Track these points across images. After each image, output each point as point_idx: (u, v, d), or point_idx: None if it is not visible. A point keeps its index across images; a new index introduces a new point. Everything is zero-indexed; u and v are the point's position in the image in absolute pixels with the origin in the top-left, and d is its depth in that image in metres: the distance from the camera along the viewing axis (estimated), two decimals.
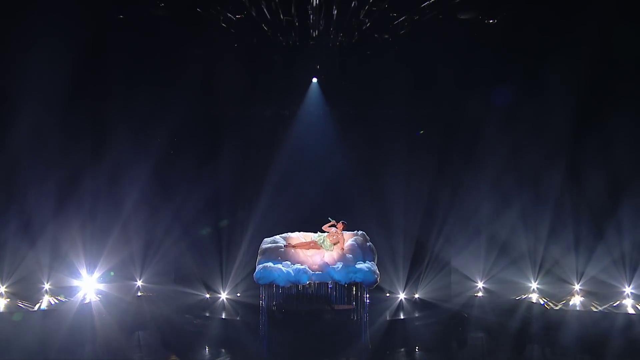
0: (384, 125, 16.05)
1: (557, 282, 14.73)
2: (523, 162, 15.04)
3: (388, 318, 14.05)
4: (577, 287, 14.56)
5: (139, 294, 15.14)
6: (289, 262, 12.01)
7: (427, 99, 15.59)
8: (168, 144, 15.75)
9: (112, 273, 14.64)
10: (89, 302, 13.39)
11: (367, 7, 13.19)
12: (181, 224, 15.40)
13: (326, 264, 12.04)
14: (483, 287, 15.64)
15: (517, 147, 15.13)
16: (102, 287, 14.35)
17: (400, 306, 14.96)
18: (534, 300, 14.47)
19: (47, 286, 13.87)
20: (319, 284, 11.99)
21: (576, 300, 14.14)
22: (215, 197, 15.82)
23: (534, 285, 15.10)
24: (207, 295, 15.72)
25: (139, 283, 15.31)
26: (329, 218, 12.62)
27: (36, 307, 12.83)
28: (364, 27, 14.08)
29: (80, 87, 13.69)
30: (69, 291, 13.89)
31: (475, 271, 15.67)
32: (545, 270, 14.92)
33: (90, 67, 13.69)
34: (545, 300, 14.34)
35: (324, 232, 12.67)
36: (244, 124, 16.14)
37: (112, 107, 14.46)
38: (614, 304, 13.36)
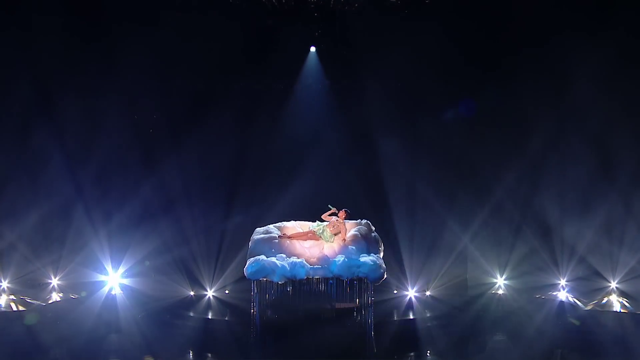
0: (391, 100, 16.02)
1: (588, 278, 14.76)
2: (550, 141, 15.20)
3: (395, 318, 14.06)
4: (613, 284, 14.60)
5: (112, 292, 15.06)
6: (284, 255, 11.95)
7: (437, 73, 15.55)
8: (148, 122, 15.87)
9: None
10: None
11: None
12: (162, 209, 15.49)
13: (326, 257, 11.99)
14: (504, 283, 15.65)
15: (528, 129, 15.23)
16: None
17: (409, 305, 14.98)
18: (563, 299, 14.48)
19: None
20: (318, 279, 11.90)
21: (613, 300, 14.17)
22: (199, 182, 15.81)
23: (562, 282, 15.13)
24: (192, 293, 15.69)
25: (113, 279, 15.21)
26: (329, 206, 12.52)
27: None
28: None
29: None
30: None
31: (495, 265, 15.69)
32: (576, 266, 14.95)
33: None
34: (576, 299, 14.36)
35: (323, 221, 12.61)
36: (231, 99, 16.05)
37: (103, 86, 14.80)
38: None
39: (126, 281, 15.24)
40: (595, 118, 14.52)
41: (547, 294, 14.94)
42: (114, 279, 15.16)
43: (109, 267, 15.17)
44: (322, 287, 12.00)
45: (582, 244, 14.68)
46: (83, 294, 14.52)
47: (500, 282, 15.66)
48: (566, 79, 14.65)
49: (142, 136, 15.68)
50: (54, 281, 14.86)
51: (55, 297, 14.55)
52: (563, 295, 14.80)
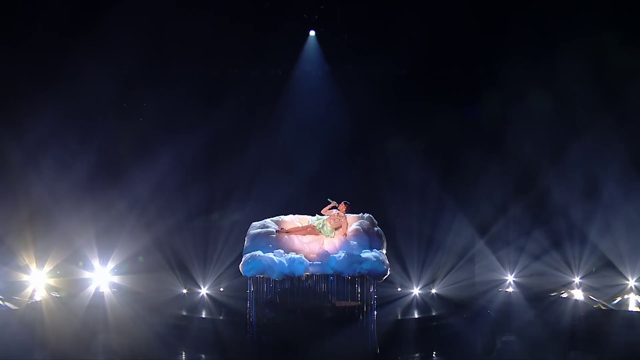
0: (394, 86, 16.12)
1: (606, 275, 14.73)
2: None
3: (399, 317, 14.06)
4: (632, 282, 14.57)
5: (100, 290, 15.10)
6: (281, 251, 11.89)
7: (444, 57, 15.68)
8: (138, 108, 15.97)
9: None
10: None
11: None
12: (156, 202, 15.59)
13: (326, 253, 11.92)
14: (513, 281, 15.63)
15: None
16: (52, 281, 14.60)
17: (414, 303, 14.93)
18: (578, 298, 14.45)
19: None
20: (318, 276, 11.84)
21: (632, 299, 14.17)
22: (195, 174, 15.82)
23: (576, 279, 15.06)
24: (184, 291, 15.66)
25: (102, 276, 15.31)
26: (329, 199, 12.51)
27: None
28: None
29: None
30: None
31: (505, 262, 15.65)
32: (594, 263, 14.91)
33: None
34: (594, 298, 14.34)
35: (323, 215, 12.59)
36: (225, 86, 16.12)
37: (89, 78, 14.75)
38: None
39: (115, 279, 15.22)
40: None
41: (561, 292, 14.88)
42: (102, 277, 15.18)
43: (96, 264, 15.20)
44: (322, 284, 11.92)
45: (598, 239, 14.64)
46: (62, 293, 14.45)
47: (510, 280, 15.63)
48: None
49: (134, 126, 15.71)
50: (37, 278, 14.71)
51: (37, 296, 14.41)
52: (578, 294, 14.74)
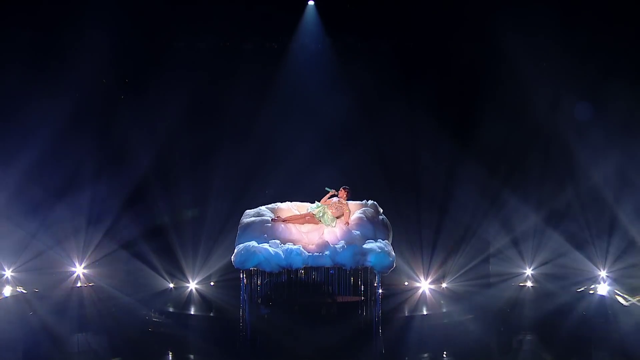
0: (402, 61, 16.00)
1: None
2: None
3: (407, 314, 14.05)
4: None
5: (79, 284, 15.11)
6: (278, 241, 11.88)
7: (456, 28, 15.64)
8: (118, 87, 15.90)
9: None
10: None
11: None
12: (137, 189, 15.55)
13: (326, 243, 11.88)
14: (532, 274, 15.61)
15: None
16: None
17: (422, 299, 14.93)
18: (604, 293, 14.44)
19: None
20: (317, 269, 11.88)
21: None
22: (180, 156, 15.72)
23: (602, 273, 15.05)
24: (172, 285, 15.63)
25: (79, 271, 15.28)
26: (327, 188, 12.48)
27: None
28: None
29: None
30: None
31: (523, 254, 15.63)
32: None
33: None
34: (621, 294, 14.33)
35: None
36: (216, 60, 16.06)
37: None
38: None
39: (95, 272, 15.21)
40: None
41: (586, 287, 14.87)
42: (80, 271, 15.26)
43: (75, 258, 15.20)
44: (321, 278, 11.99)
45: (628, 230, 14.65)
46: (36, 289, 14.44)
47: (529, 273, 15.61)
48: None
49: (110, 103, 15.75)
50: (8, 273, 14.72)
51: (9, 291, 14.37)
52: (604, 289, 14.73)
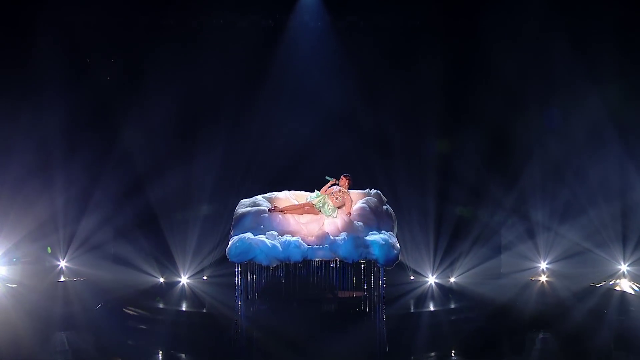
0: (406, 41, 16.03)
1: None
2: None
3: (412, 310, 14.06)
4: None
5: (62, 279, 15.13)
6: (275, 233, 11.86)
7: (465, 4, 15.72)
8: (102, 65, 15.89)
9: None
10: None
11: None
12: (123, 177, 15.51)
13: (327, 235, 11.86)
14: (546, 268, 15.58)
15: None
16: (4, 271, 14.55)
17: (429, 294, 14.91)
18: (625, 289, 14.44)
19: None
20: (317, 262, 11.90)
21: None
22: (172, 142, 15.70)
23: (623, 267, 14.99)
24: (162, 280, 15.60)
25: (62, 264, 15.27)
26: (327, 177, 12.45)
27: None
28: None
29: None
30: None
31: (537, 247, 15.60)
32: None
33: None
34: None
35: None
36: (208, 39, 16.03)
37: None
38: None
39: (79, 266, 15.17)
40: None
41: (605, 282, 14.85)
42: (64, 265, 15.36)
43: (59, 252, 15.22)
44: (322, 272, 12.04)
45: None
46: (14, 284, 14.45)
47: (543, 267, 15.56)
48: None
49: (100, 87, 15.69)
50: None
51: None
52: (625, 284, 14.72)
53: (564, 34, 15.40)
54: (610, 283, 14.77)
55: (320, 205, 12.33)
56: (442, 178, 15.99)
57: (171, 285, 15.56)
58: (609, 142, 15.16)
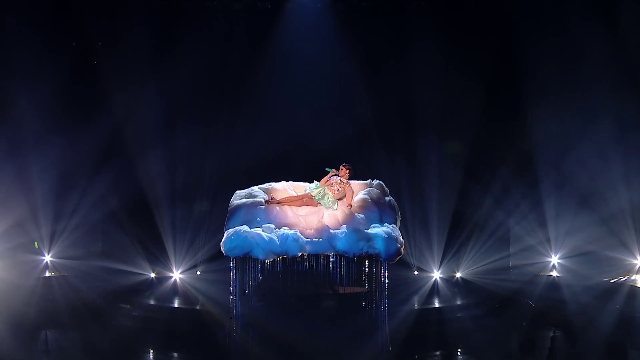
0: (411, 24, 16.08)
1: None
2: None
3: (416, 306, 14.11)
4: None
5: (47, 274, 15.12)
6: (272, 225, 11.81)
7: None
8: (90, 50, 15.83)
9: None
10: None
11: None
12: (112, 166, 15.61)
13: (326, 228, 11.81)
14: (558, 263, 15.55)
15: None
16: None
17: (434, 289, 14.85)
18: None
19: None
20: (316, 256, 11.85)
21: None
22: (165, 129, 15.67)
23: (638, 261, 15.01)
24: (153, 275, 15.59)
25: (48, 258, 15.27)
26: (327, 169, 12.43)
27: None
28: None
29: None
30: None
31: (547, 241, 15.57)
32: None
33: None
34: None
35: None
36: (203, 22, 16.16)
37: None
38: None
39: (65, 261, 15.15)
40: None
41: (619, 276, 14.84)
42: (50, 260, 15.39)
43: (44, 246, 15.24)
44: (321, 266, 11.98)
45: None
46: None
47: (555, 261, 15.54)
48: None
49: (89, 73, 15.83)
50: None
51: None
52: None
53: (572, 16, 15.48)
54: (625, 279, 14.78)
55: (320, 196, 12.31)
56: (449, 168, 15.97)
57: (162, 280, 15.53)
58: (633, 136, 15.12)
